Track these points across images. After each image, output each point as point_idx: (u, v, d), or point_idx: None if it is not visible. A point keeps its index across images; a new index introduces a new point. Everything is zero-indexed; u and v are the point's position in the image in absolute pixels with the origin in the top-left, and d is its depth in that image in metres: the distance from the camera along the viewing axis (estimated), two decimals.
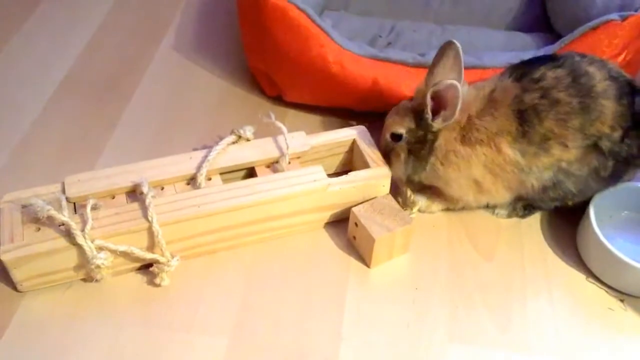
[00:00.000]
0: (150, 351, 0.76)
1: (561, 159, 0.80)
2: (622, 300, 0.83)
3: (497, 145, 0.81)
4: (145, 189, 0.81)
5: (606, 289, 0.84)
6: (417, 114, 0.84)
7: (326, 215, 0.88)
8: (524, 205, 0.90)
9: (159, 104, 1.09)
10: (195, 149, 0.90)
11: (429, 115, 0.82)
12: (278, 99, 1.07)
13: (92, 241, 0.77)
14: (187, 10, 1.29)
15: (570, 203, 0.86)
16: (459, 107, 0.79)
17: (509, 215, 0.92)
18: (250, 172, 0.89)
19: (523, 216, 0.92)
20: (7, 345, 0.76)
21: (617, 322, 0.81)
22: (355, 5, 1.19)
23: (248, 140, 0.90)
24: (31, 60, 1.17)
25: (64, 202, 0.79)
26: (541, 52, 0.95)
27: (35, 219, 0.78)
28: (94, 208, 0.80)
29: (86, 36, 1.22)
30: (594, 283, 0.84)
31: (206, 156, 0.86)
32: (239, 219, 0.83)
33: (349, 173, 0.87)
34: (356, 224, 0.84)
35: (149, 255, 0.80)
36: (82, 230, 0.77)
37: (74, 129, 1.04)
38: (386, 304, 0.82)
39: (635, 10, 0.93)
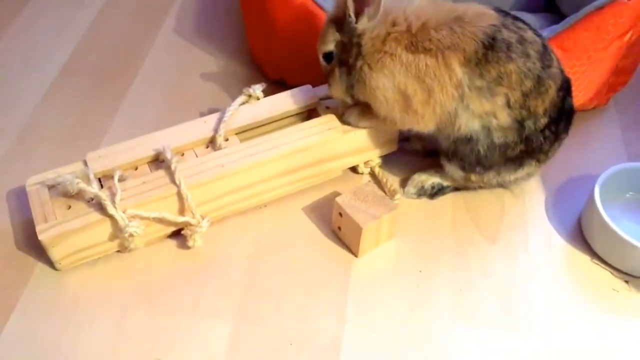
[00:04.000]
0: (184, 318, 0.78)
1: (495, 115, 0.79)
2: (626, 282, 0.82)
3: (446, 59, 0.76)
4: (169, 155, 0.82)
5: (611, 270, 0.83)
6: (338, 22, 0.81)
7: (345, 162, 0.91)
8: (432, 185, 0.91)
9: (161, 86, 1.10)
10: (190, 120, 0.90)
11: (352, 18, 0.78)
12: (280, 82, 1.06)
13: (124, 211, 0.78)
14: (184, 3, 1.30)
15: (473, 176, 0.86)
16: (382, 2, 0.76)
17: (418, 194, 0.91)
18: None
19: (432, 196, 0.91)
20: (50, 322, 0.77)
21: (622, 303, 0.80)
22: None
23: (258, 99, 0.92)
24: (33, 43, 1.18)
25: (92, 176, 0.80)
26: (546, 32, 0.93)
27: (64, 197, 0.80)
28: (120, 179, 0.81)
29: (87, 19, 1.23)
30: (598, 264, 0.84)
31: (221, 118, 0.88)
32: (262, 174, 0.85)
33: None
34: (340, 214, 0.83)
35: (180, 219, 0.82)
36: (113, 202, 0.78)
37: (78, 111, 1.05)
38: (390, 288, 0.81)
39: None
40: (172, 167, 0.81)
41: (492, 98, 0.78)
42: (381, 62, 0.79)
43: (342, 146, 0.88)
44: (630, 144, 1.01)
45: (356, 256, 0.84)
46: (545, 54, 0.79)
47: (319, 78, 0.94)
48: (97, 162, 0.83)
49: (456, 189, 0.92)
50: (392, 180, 0.93)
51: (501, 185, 0.91)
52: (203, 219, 0.83)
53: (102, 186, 0.82)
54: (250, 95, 0.91)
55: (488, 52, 0.76)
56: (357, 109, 0.87)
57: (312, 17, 0.94)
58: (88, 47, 1.17)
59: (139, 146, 0.86)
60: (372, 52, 0.79)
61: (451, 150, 0.85)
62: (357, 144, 0.89)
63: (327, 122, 0.88)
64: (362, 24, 0.79)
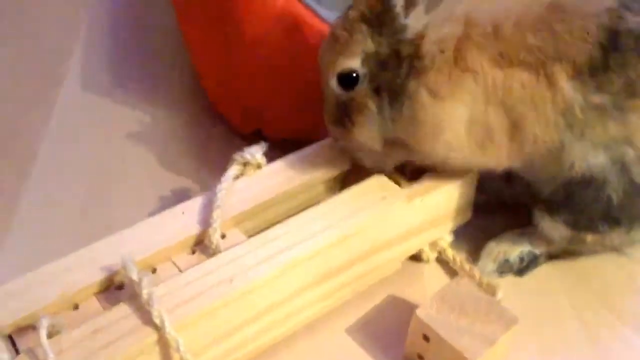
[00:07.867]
0: None
1: (630, 141, 0.53)
2: None
3: (549, 75, 0.52)
4: (134, 275, 0.47)
5: None
6: (373, 21, 0.52)
7: (407, 247, 0.59)
8: (520, 256, 0.62)
9: (78, 163, 0.75)
10: (151, 215, 0.56)
11: (399, 10, 0.51)
12: (256, 136, 0.71)
13: None
14: (89, 40, 0.95)
15: (589, 237, 0.58)
16: None
17: (500, 272, 0.62)
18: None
19: (520, 272, 0.62)
20: None
21: None
22: None
23: (259, 167, 0.59)
24: None
25: None
26: None
27: None
28: (51, 334, 0.45)
29: None
30: None
31: (211, 203, 0.54)
32: (293, 285, 0.51)
33: (424, 175, 0.58)
34: (426, 337, 0.52)
35: None
36: None
37: None
38: None
39: None
40: (144, 295, 0.46)
41: (621, 117, 0.52)
42: (455, 83, 0.51)
43: (406, 222, 0.57)
44: None
45: None
46: None
47: (314, 123, 0.63)
48: (2, 309, 0.47)
49: (550, 256, 0.63)
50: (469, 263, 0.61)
51: (615, 248, 0.62)
52: None
53: (17, 351, 0.45)
54: (246, 164, 0.59)
55: (609, 55, 0.50)
56: None
57: (314, 31, 0.64)
58: None
59: (74, 269, 0.50)
60: (439, 66, 0.51)
61: (558, 198, 0.56)
62: (425, 216, 0.58)
63: (377, 188, 0.57)
64: (417, 20, 0.51)
